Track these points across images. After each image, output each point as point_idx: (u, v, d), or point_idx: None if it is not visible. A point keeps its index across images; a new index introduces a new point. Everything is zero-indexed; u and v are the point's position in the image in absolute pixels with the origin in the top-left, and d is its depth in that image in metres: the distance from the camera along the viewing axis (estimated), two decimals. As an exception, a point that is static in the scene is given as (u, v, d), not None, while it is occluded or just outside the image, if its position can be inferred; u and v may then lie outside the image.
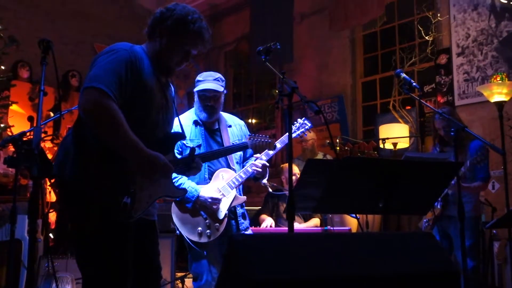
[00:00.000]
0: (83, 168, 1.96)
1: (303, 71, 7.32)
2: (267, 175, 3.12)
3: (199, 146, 3.03)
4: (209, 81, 3.05)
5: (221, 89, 3.07)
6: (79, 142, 2.00)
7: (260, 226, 4.78)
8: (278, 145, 3.06)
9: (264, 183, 3.13)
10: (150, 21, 2.19)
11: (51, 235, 5.55)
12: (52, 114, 6.55)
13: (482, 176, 3.69)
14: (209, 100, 3.04)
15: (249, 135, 2.96)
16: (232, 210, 3.09)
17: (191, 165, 2.31)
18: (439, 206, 3.74)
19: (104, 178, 1.95)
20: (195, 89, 3.10)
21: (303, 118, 3.32)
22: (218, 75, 3.12)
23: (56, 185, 2.15)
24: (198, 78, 3.12)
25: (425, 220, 3.90)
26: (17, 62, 6.97)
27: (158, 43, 2.15)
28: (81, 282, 2.06)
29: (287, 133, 3.09)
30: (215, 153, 2.84)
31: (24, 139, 2.39)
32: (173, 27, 2.13)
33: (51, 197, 5.93)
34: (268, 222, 4.75)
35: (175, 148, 2.90)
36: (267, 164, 3.05)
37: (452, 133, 2.87)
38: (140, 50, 2.11)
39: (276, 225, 4.86)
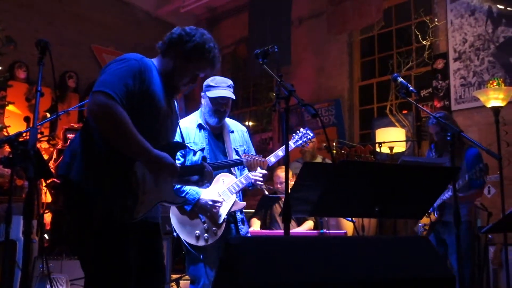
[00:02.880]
0: (88, 169, 2.00)
1: (301, 75, 7.33)
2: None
3: (202, 149, 3.05)
4: (223, 87, 3.09)
5: (234, 96, 3.12)
6: (85, 144, 2.05)
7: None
8: (272, 159, 3.15)
9: (261, 186, 3.16)
10: (167, 39, 2.24)
11: (46, 236, 5.52)
12: (48, 115, 6.53)
13: (478, 184, 3.70)
14: (222, 106, 3.09)
15: (244, 153, 3.09)
16: (231, 215, 3.10)
17: (203, 171, 2.34)
18: (436, 215, 3.75)
19: (109, 180, 1.99)
20: (209, 94, 3.08)
21: (306, 128, 3.37)
22: (230, 81, 3.15)
23: (61, 185, 2.17)
24: (210, 83, 3.11)
25: (421, 225, 3.90)
26: (14, 62, 6.95)
27: (172, 64, 2.22)
28: (83, 282, 2.06)
29: (282, 147, 3.14)
30: (212, 166, 2.86)
31: (20, 139, 2.39)
32: (190, 52, 2.21)
33: (47, 198, 5.91)
34: (255, 228, 4.84)
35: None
36: (266, 173, 3.12)
37: (448, 138, 2.88)
38: (150, 63, 2.17)
39: (271, 229, 4.86)
